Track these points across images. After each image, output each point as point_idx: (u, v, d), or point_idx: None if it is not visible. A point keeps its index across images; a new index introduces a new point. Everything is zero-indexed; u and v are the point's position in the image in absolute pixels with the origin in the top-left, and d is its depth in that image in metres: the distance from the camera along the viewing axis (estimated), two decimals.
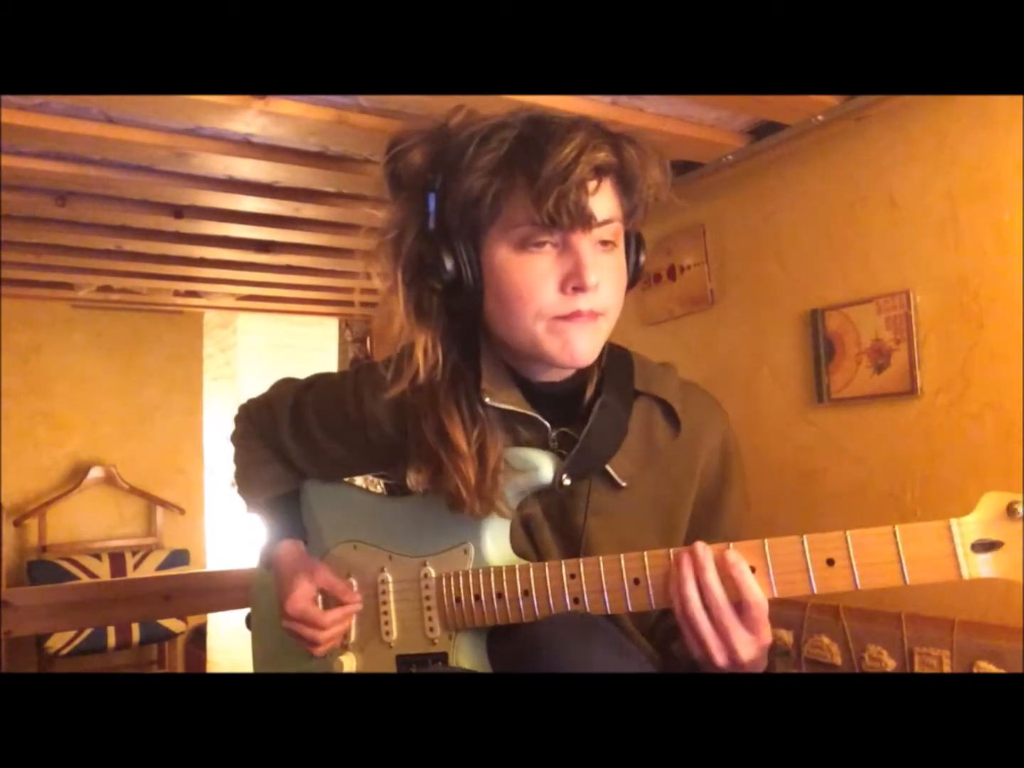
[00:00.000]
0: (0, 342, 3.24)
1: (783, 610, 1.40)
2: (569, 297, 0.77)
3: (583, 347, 0.80)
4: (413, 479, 0.87)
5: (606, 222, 0.78)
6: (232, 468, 1.10)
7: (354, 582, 0.97)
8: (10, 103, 1.13)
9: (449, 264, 0.79)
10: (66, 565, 3.35)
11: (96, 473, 3.57)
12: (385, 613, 0.94)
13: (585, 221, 0.75)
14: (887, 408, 1.31)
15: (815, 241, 1.43)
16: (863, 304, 1.34)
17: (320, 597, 0.96)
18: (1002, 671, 1.11)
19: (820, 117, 1.30)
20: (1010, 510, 0.64)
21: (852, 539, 0.69)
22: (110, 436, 3.67)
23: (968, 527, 0.66)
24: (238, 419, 1.10)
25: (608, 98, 1.24)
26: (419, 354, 0.82)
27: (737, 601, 0.70)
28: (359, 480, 1.13)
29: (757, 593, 0.70)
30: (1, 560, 3.08)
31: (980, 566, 0.65)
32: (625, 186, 0.80)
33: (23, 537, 3.45)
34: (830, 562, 0.69)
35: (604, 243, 0.79)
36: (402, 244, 0.82)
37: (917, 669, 1.21)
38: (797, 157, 1.45)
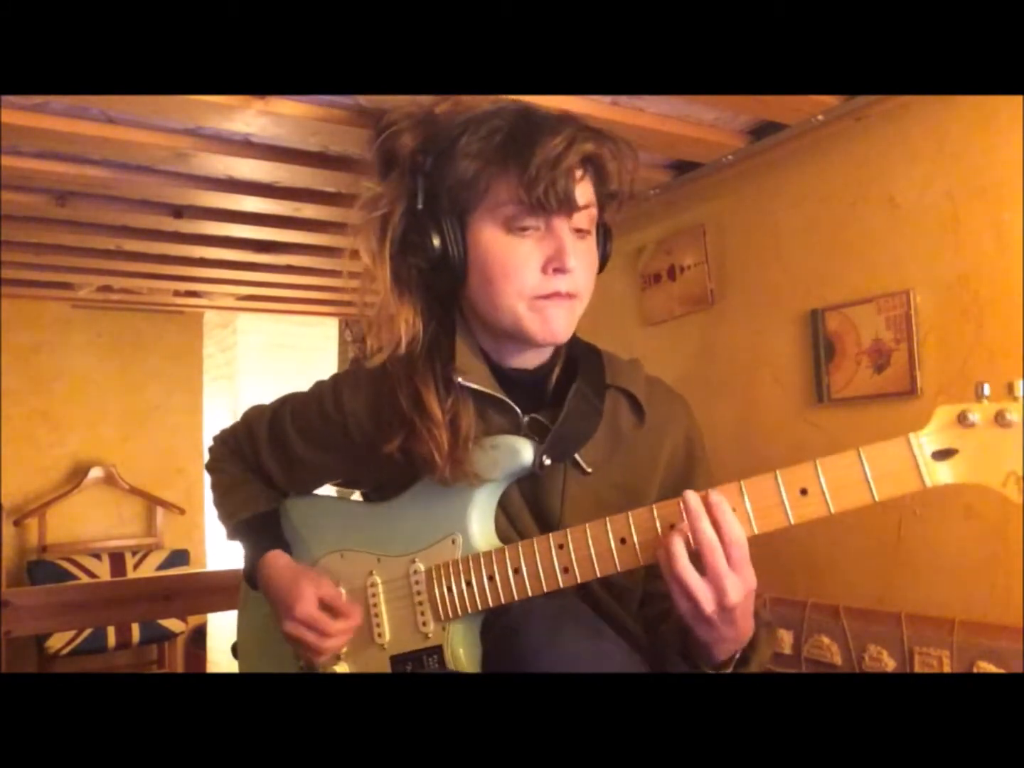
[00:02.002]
0: (0, 342, 3.24)
1: (783, 610, 1.41)
2: (550, 278, 0.83)
3: (560, 325, 0.85)
4: (386, 447, 0.88)
5: (585, 207, 0.83)
6: (211, 495, 1.11)
7: (343, 591, 0.96)
8: (10, 103, 1.13)
9: (436, 242, 0.84)
10: (66, 565, 3.35)
11: (96, 473, 3.56)
12: (376, 616, 0.94)
13: (569, 206, 0.81)
14: (887, 408, 1.31)
15: (815, 241, 1.43)
16: (863, 304, 1.33)
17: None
18: (1002, 671, 1.11)
19: (820, 117, 1.30)
20: (961, 418, 0.70)
21: (822, 466, 0.72)
22: (110, 436, 3.67)
23: (926, 438, 0.71)
24: (213, 448, 1.12)
25: (608, 98, 1.24)
26: (401, 325, 0.87)
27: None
28: (339, 491, 1.14)
29: (736, 530, 0.72)
30: (1, 560, 3.08)
31: (939, 473, 0.70)
32: (601, 178, 0.85)
33: (23, 537, 3.44)
34: (803, 492, 0.73)
35: (579, 231, 0.85)
36: (390, 221, 0.87)
37: (917, 669, 1.21)
38: (797, 157, 1.45)
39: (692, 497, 0.74)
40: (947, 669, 1.17)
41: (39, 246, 1.91)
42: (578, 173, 0.80)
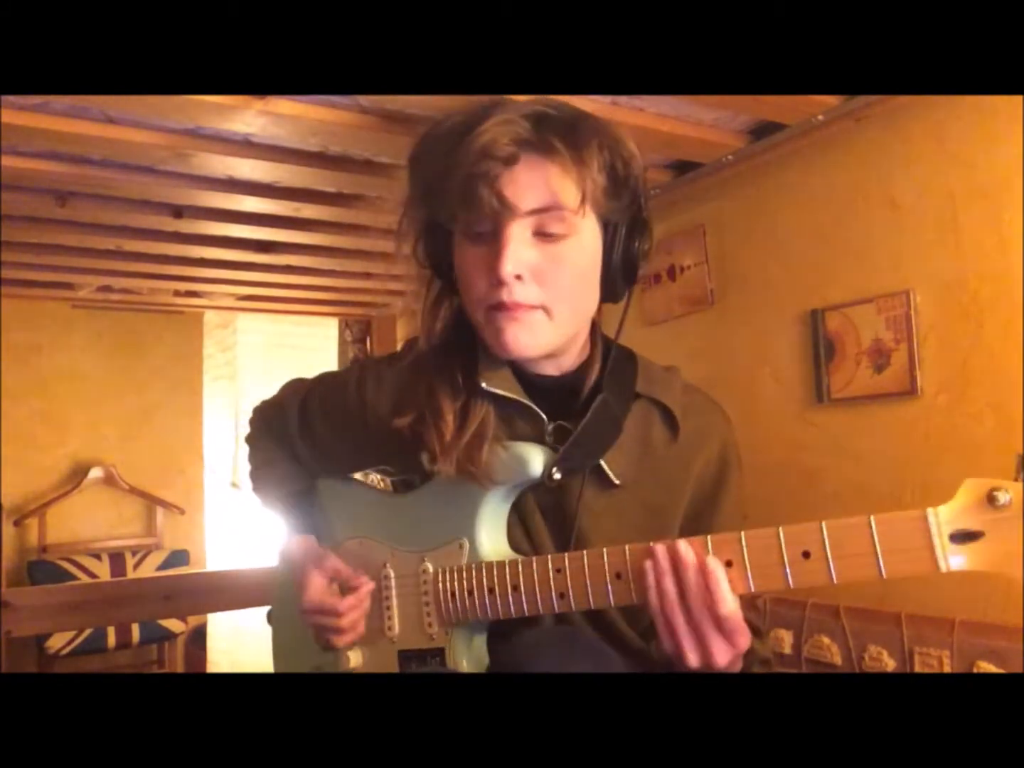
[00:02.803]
0: (0, 342, 3.24)
1: (783, 610, 1.41)
2: (495, 288, 0.77)
3: (511, 338, 0.79)
4: (398, 421, 0.88)
5: (539, 211, 0.76)
6: (248, 468, 1.12)
7: None
8: (10, 103, 1.13)
9: (427, 251, 0.85)
10: (66, 565, 3.35)
11: (96, 473, 3.56)
12: (388, 608, 0.94)
13: (502, 211, 0.76)
14: (887, 408, 1.31)
15: (815, 241, 1.43)
16: (863, 304, 1.34)
17: (336, 586, 0.95)
18: (1002, 671, 1.11)
19: (820, 117, 1.30)
20: (990, 498, 0.61)
21: (828, 530, 0.66)
22: (110, 436, 3.67)
23: (945, 516, 0.63)
24: (252, 421, 1.12)
25: (608, 98, 1.24)
26: (424, 330, 0.88)
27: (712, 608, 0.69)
28: (366, 476, 1.14)
29: (730, 605, 0.69)
30: (1, 560, 3.08)
31: (958, 558, 0.62)
32: (567, 172, 0.76)
33: (23, 537, 3.44)
34: (806, 555, 0.67)
35: (546, 235, 0.77)
36: (410, 229, 0.88)
37: (917, 669, 1.21)
38: (797, 157, 1.45)
39: (659, 551, 0.70)
40: (947, 669, 1.17)
41: (39, 246, 1.91)
42: (496, 174, 0.74)
